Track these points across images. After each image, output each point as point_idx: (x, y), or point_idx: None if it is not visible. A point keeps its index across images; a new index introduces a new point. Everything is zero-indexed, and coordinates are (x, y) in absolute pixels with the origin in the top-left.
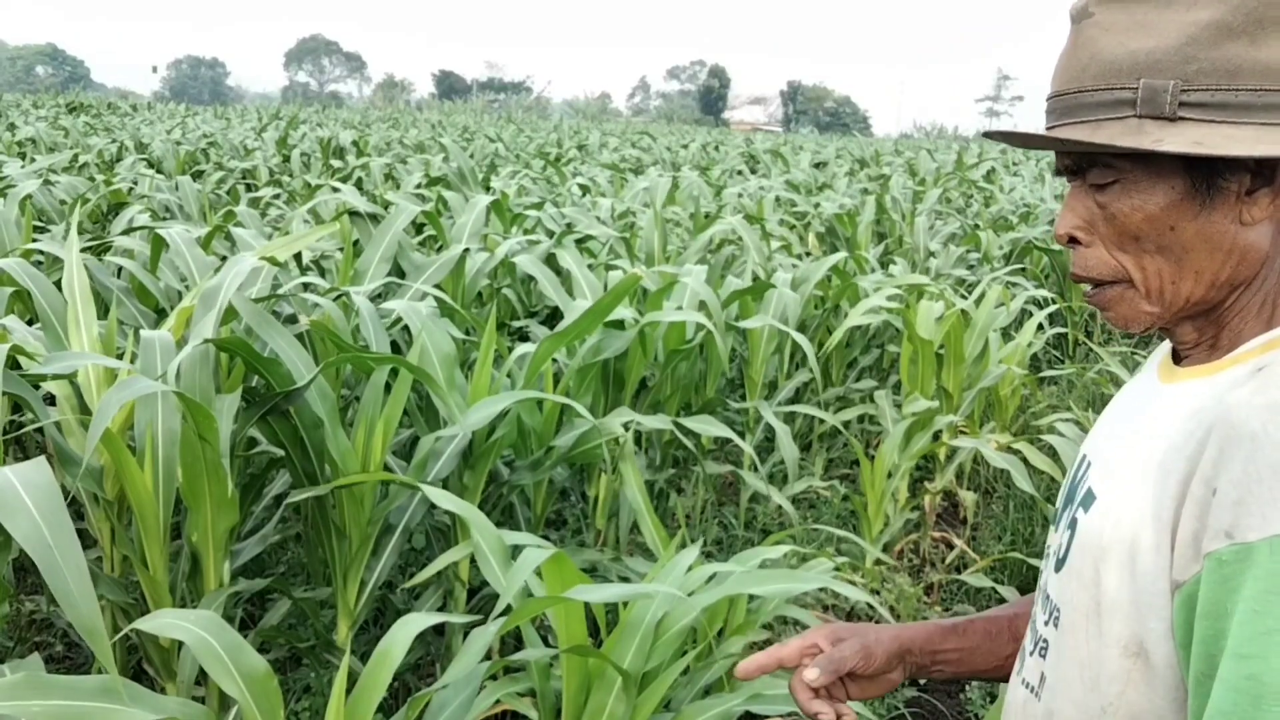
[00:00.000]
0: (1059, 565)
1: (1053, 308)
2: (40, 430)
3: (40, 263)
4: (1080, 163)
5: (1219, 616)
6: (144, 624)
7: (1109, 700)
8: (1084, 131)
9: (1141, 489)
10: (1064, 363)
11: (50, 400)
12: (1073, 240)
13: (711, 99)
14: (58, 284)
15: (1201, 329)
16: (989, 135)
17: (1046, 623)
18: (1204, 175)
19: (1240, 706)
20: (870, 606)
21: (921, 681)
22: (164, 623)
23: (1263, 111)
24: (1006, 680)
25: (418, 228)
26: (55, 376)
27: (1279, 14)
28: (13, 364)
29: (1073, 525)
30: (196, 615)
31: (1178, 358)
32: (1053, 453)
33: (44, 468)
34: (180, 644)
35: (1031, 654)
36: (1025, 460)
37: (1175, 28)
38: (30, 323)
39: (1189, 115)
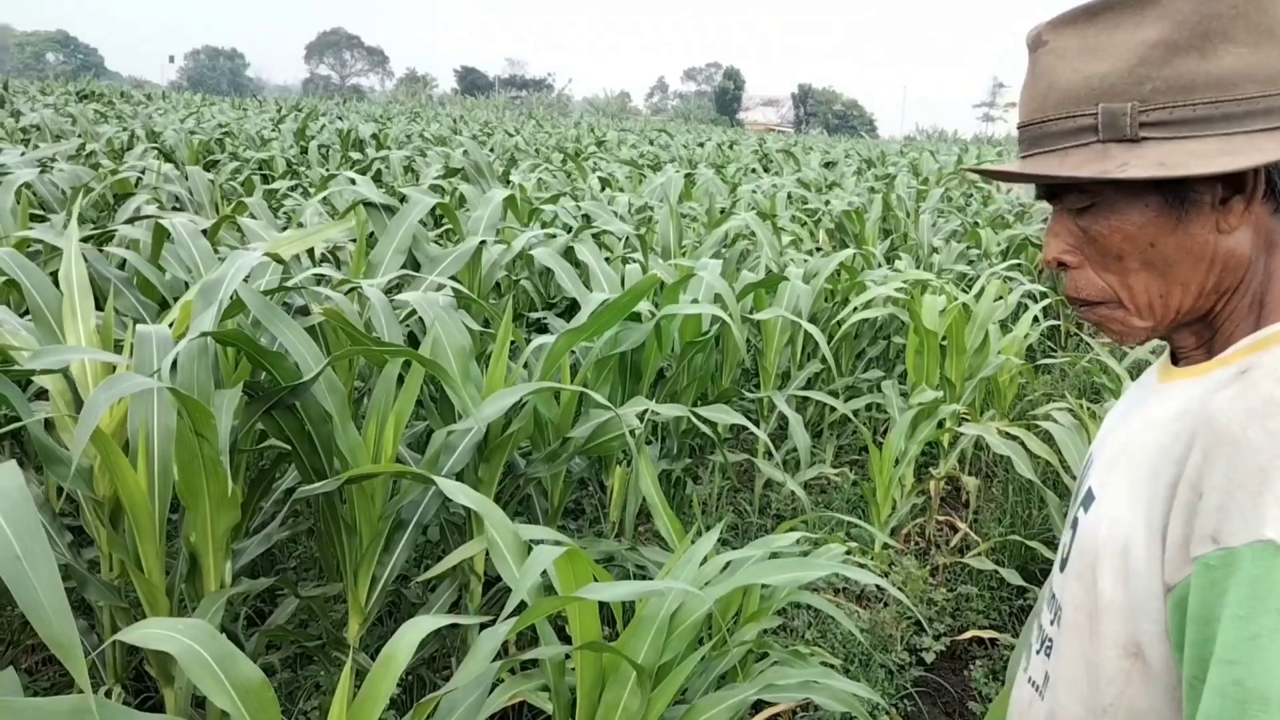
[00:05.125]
0: (1063, 565)
1: (1047, 301)
2: (43, 428)
3: (38, 252)
4: (1055, 189)
5: (1208, 621)
6: (129, 634)
7: (1109, 700)
8: (1052, 162)
9: (1133, 490)
10: (1057, 353)
11: (44, 396)
12: (1061, 264)
13: (726, 100)
14: (54, 275)
15: (1198, 334)
16: (969, 171)
17: (1051, 622)
18: (1176, 190)
19: (1227, 712)
20: (879, 589)
21: (928, 660)
22: (149, 633)
23: (1222, 122)
24: None
25: (436, 220)
26: (45, 372)
27: (1223, 25)
28: (3, 359)
29: (1074, 525)
30: (186, 624)
31: (1176, 358)
32: (1049, 438)
33: (14, 473)
34: None
35: (1037, 652)
36: (1024, 446)
37: (1126, 49)
38: (24, 314)
39: (1151, 135)
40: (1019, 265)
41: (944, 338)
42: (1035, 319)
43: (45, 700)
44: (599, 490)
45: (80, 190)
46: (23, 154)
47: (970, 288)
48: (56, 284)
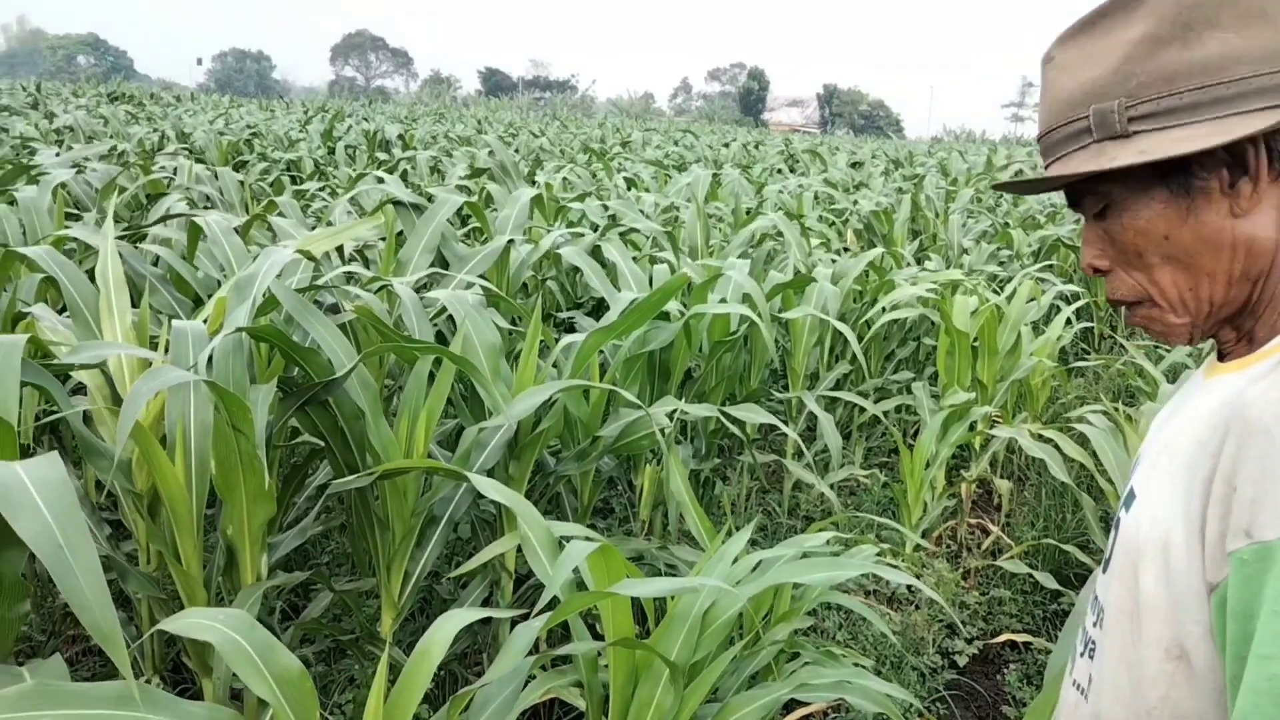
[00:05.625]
0: (1105, 565)
1: (1080, 302)
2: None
3: (73, 251)
4: (1074, 197)
5: (1247, 618)
6: (171, 624)
7: (1152, 703)
8: (1058, 168)
9: (1172, 486)
10: (1090, 356)
11: (81, 391)
12: (1096, 270)
13: (751, 100)
14: (91, 272)
15: (1239, 326)
16: (996, 188)
17: (1095, 624)
18: (1180, 180)
19: (1261, 708)
20: (909, 589)
21: (960, 664)
22: (191, 623)
23: (1213, 106)
24: None
25: (462, 220)
26: (83, 366)
27: (1206, 13)
28: (43, 354)
29: (1117, 525)
30: (226, 614)
31: (1222, 354)
32: (1083, 441)
33: (56, 463)
34: None
35: (1081, 655)
36: (1059, 449)
37: (1113, 52)
38: (61, 310)
39: (1141, 128)
40: (1051, 266)
41: (975, 339)
42: (1068, 321)
43: (90, 686)
44: (628, 489)
45: (114, 189)
46: (57, 154)
47: (1001, 289)
48: (93, 281)
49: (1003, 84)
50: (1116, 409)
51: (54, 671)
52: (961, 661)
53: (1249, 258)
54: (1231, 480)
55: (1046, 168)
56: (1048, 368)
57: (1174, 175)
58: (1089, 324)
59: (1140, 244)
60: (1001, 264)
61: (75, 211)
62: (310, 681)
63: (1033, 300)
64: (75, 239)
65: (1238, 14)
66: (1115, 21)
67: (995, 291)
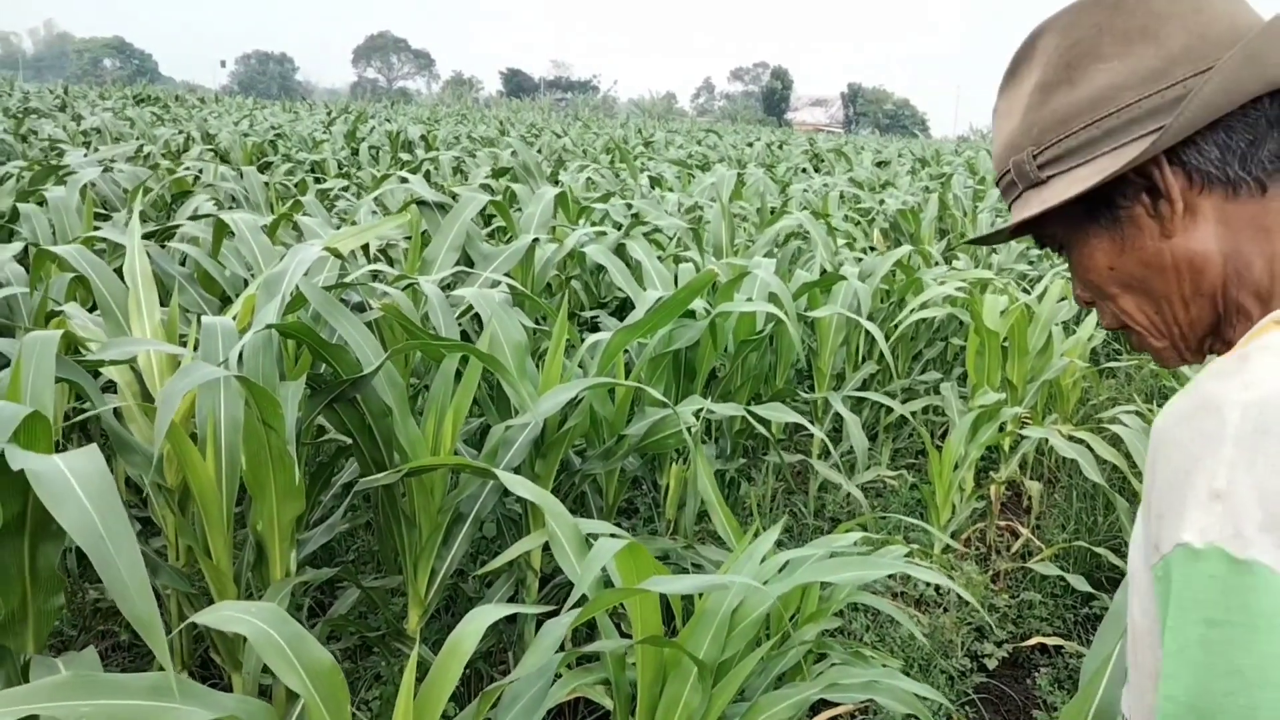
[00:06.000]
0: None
1: None
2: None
3: (102, 250)
4: (1038, 241)
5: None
6: (203, 617)
7: None
8: (1008, 216)
9: (1141, 510)
10: (1122, 356)
11: (112, 388)
12: (1083, 301)
13: (774, 100)
14: (119, 271)
15: (1228, 341)
16: (969, 243)
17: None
18: (1105, 212)
19: None
20: (937, 591)
21: (990, 667)
22: (225, 615)
23: (1105, 139)
24: None
25: (486, 220)
26: (114, 362)
27: (1086, 48)
28: (74, 350)
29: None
30: (259, 607)
31: None
32: (1115, 442)
33: (96, 455)
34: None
35: (1124, 684)
36: (1091, 450)
37: (1020, 103)
38: (91, 309)
39: (1051, 172)
40: None
41: (1005, 339)
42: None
43: (127, 676)
44: (652, 489)
45: (141, 188)
46: (85, 155)
47: (1031, 288)
48: (122, 280)
49: None
50: (1151, 410)
51: (88, 663)
52: (991, 665)
53: (1194, 274)
54: (1148, 496)
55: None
56: (1079, 368)
57: (1100, 210)
58: None
59: (1093, 277)
60: (1031, 263)
61: (103, 212)
62: (341, 675)
63: (1064, 299)
64: (104, 239)
65: (1118, 39)
66: (1020, 74)
67: (1025, 291)
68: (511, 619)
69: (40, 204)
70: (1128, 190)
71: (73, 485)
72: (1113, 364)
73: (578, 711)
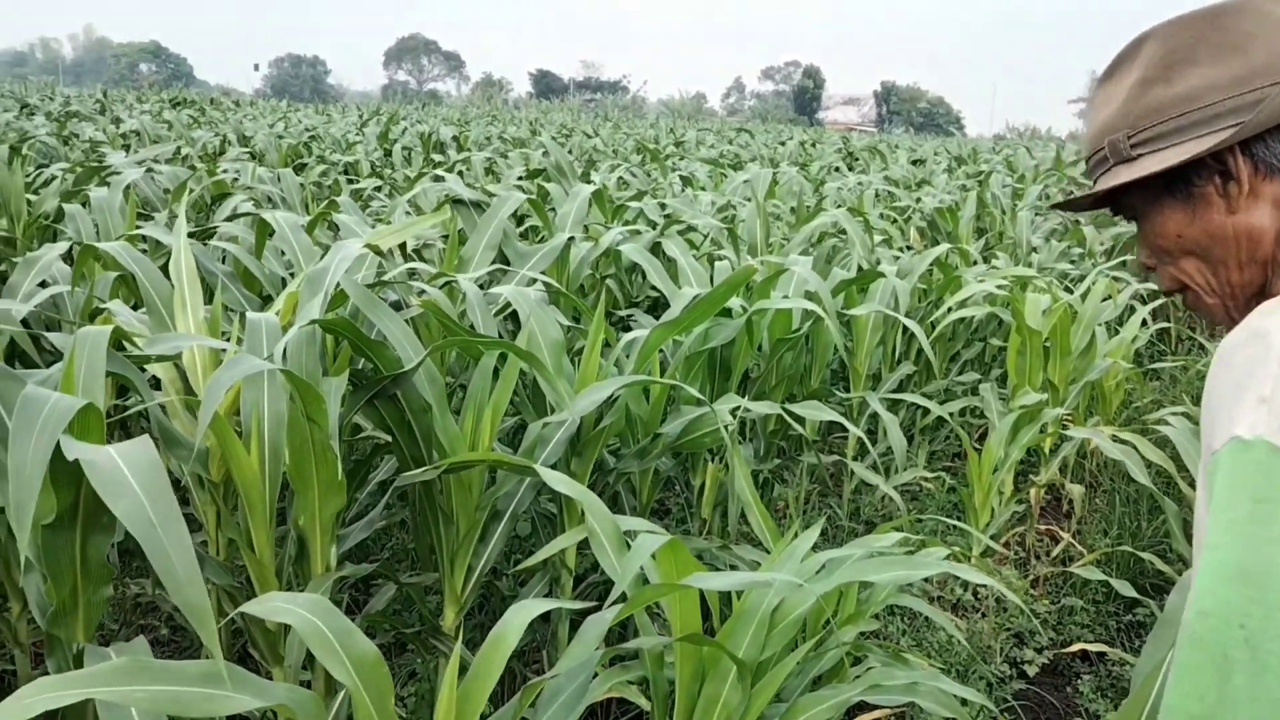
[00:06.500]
0: None
1: (1158, 302)
2: (142, 414)
3: (145, 249)
4: (1115, 210)
5: None
6: (252, 607)
7: None
8: (1098, 184)
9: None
10: (1167, 357)
11: (155, 384)
12: (1145, 266)
13: (806, 99)
14: (163, 269)
15: (1272, 297)
16: (1052, 208)
17: None
18: (1181, 188)
19: (1208, 589)
20: (975, 596)
21: (1030, 674)
22: (272, 606)
23: (1190, 129)
24: None
25: (518, 220)
26: (160, 358)
27: (1181, 55)
28: (118, 347)
29: None
30: (305, 599)
31: None
32: (1162, 444)
33: (148, 446)
34: (286, 628)
35: None
36: (1138, 451)
37: (1120, 93)
38: (135, 307)
39: (1142, 151)
40: (1124, 264)
41: (1047, 339)
42: (1144, 321)
43: (180, 663)
44: (685, 489)
45: (183, 188)
46: (125, 157)
47: (1073, 287)
48: (166, 277)
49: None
50: (1199, 411)
51: (140, 652)
52: (1031, 671)
53: (1251, 244)
54: (1206, 414)
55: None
56: (1123, 369)
57: (1178, 185)
58: (1166, 324)
59: (1162, 242)
60: (1073, 262)
61: (144, 212)
62: (385, 667)
63: (1108, 299)
64: (145, 238)
65: (1211, 49)
66: (1122, 70)
67: (1067, 290)
68: (545, 617)
69: (84, 204)
70: (1203, 172)
71: (126, 476)
72: (1157, 365)
73: (610, 712)
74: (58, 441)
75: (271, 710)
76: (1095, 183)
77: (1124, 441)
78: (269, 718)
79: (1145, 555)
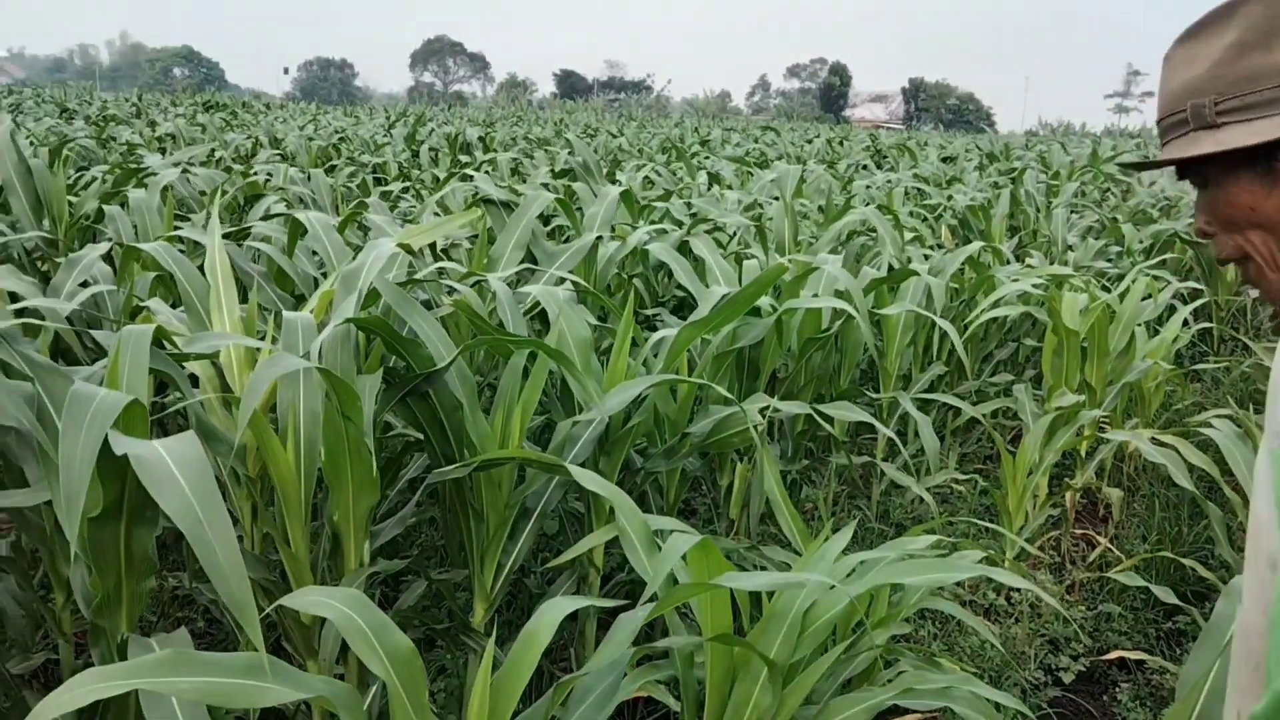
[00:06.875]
0: None
1: (1199, 301)
2: (179, 411)
3: (182, 250)
4: (1182, 173)
5: None
6: (290, 600)
7: (1271, 617)
8: (1165, 151)
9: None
10: (1209, 358)
11: (193, 381)
12: (1204, 234)
13: (832, 96)
14: (200, 269)
15: None
16: (1122, 165)
17: None
18: (1262, 162)
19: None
20: (1008, 600)
21: (1066, 681)
22: (310, 600)
23: None
24: None
25: (544, 219)
26: (198, 356)
27: None
28: (158, 345)
29: None
30: (342, 593)
31: None
32: (1204, 447)
33: (193, 441)
34: (321, 622)
35: (1224, 698)
36: (1180, 455)
37: (1209, 54)
38: (174, 305)
39: (1228, 120)
40: (1164, 262)
41: (1084, 339)
42: (1185, 321)
43: (222, 655)
44: (710, 489)
45: (219, 189)
46: (162, 159)
47: (1110, 286)
48: (204, 276)
49: (1105, 73)
50: (1245, 414)
51: (182, 643)
52: (1067, 678)
53: None
54: (1272, 405)
55: (1162, 147)
56: (1163, 370)
57: (1259, 159)
58: (1208, 324)
59: (1234, 213)
60: (1110, 260)
61: (180, 213)
62: (420, 662)
63: (1148, 298)
64: (182, 238)
65: None
66: (1213, 29)
67: (1105, 289)
68: (572, 615)
69: (123, 205)
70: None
71: (172, 470)
72: (1199, 366)
73: (636, 712)
74: (105, 436)
75: (305, 703)
76: (1167, 145)
77: (1165, 444)
78: (302, 711)
79: (1187, 561)
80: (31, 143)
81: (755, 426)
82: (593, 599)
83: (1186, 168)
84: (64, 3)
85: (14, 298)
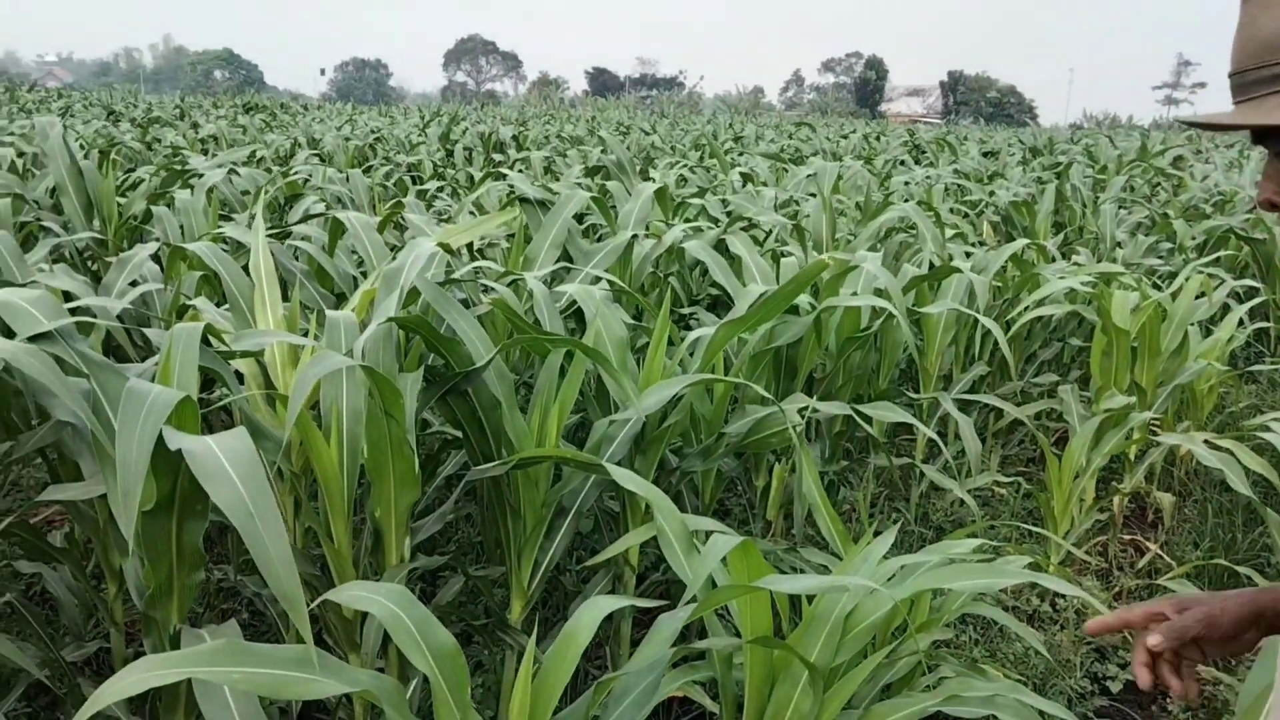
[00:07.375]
0: None
1: (1256, 300)
2: (223, 408)
3: (225, 249)
4: (1261, 135)
5: None
6: (335, 595)
7: None
8: (1247, 110)
9: None
10: (1265, 359)
11: (238, 379)
12: (1272, 205)
13: (867, 91)
14: (243, 268)
15: None
16: (1183, 123)
17: None
18: None
19: None
20: (1053, 606)
21: (1113, 690)
22: (354, 594)
23: None
24: None
25: (579, 218)
26: (244, 354)
27: None
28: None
29: None
30: (386, 588)
31: None
32: (1260, 451)
33: (244, 436)
34: (363, 616)
35: None
36: (1237, 459)
37: None
38: (219, 304)
39: None
40: (1218, 260)
41: (1134, 339)
42: (1241, 320)
43: (272, 647)
44: (746, 489)
45: (262, 190)
46: (205, 160)
47: (1164, 284)
48: (248, 276)
49: (1153, 63)
50: None
51: (232, 634)
52: (1114, 688)
53: None
54: None
55: (1235, 105)
56: (1217, 371)
57: None
58: (1265, 324)
59: None
60: (1161, 257)
61: (223, 213)
62: (463, 657)
63: (1201, 296)
64: (226, 238)
65: None
66: None
67: (1156, 287)
68: (608, 615)
69: (169, 206)
70: None
71: (224, 465)
72: (1256, 368)
73: (671, 712)
74: (160, 432)
75: (347, 696)
76: (1244, 104)
77: (1221, 448)
78: (344, 704)
79: (1242, 569)
80: (81, 145)
81: (794, 427)
82: (631, 599)
83: (1268, 132)
84: (108, 7)
85: (68, 296)
